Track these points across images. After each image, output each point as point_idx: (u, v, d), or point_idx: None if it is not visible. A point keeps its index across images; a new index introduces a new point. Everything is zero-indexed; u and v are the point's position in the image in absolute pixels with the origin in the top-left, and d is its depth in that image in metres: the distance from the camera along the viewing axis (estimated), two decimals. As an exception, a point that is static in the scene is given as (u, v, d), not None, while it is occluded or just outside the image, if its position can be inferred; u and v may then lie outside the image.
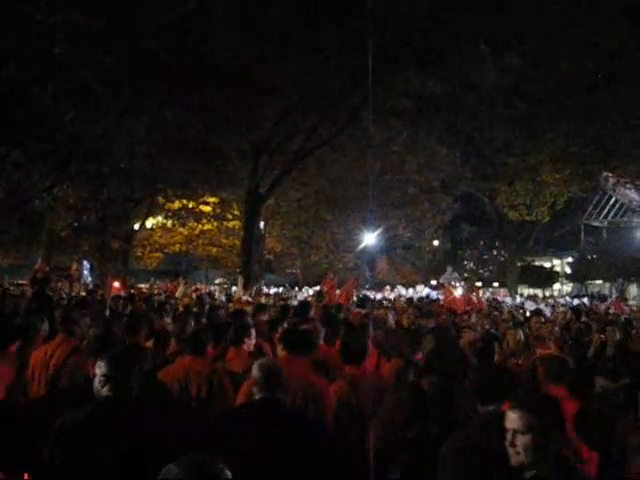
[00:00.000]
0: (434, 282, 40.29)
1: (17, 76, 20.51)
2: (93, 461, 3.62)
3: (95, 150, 22.68)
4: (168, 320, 8.58)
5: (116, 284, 15.93)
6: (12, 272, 32.56)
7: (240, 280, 22.25)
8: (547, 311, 17.07)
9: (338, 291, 14.67)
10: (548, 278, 46.24)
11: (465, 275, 44.97)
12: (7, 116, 19.85)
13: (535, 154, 31.33)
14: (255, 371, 4.48)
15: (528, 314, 14.38)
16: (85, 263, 28.88)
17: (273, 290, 27.88)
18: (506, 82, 24.86)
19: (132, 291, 18.50)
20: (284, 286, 32.85)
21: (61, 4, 20.03)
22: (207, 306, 11.66)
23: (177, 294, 13.89)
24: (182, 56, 21.15)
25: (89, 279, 26.04)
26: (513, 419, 3.15)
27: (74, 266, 29.19)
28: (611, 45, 23.11)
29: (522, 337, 8.56)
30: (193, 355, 5.76)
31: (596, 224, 46.34)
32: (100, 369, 4.00)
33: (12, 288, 16.24)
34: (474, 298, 16.44)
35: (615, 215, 45.09)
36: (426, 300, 17.88)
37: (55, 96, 21.47)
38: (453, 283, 23.69)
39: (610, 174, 35.19)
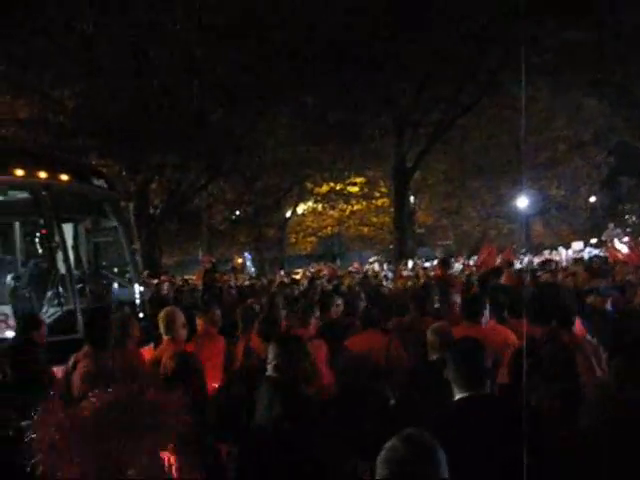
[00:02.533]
0: (594, 240, 38.66)
1: (166, 84, 21.68)
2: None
3: (244, 144, 23.54)
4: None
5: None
6: (179, 269, 34.36)
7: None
8: None
9: (499, 259, 14.46)
10: None
11: (628, 230, 42.76)
12: (160, 122, 21.03)
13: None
14: (429, 335, 5.09)
15: None
16: (246, 255, 30.09)
17: (428, 264, 27.71)
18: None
19: (294, 277, 19.16)
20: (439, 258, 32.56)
21: (196, 9, 21.00)
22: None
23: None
24: (314, 42, 21.52)
25: (252, 269, 27.13)
26: None
27: (238, 259, 30.53)
28: None
29: None
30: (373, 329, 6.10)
31: None
32: (269, 352, 4.39)
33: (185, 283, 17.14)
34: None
35: None
36: (595, 259, 17.10)
37: (200, 97, 22.52)
38: (617, 239, 22.54)
39: None
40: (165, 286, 13.36)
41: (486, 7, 21.14)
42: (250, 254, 31.32)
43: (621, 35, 22.73)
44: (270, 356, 4.38)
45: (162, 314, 5.79)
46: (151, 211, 24.70)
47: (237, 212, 35.07)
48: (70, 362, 5.30)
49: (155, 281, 14.87)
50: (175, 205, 25.50)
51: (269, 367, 4.35)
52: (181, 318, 5.77)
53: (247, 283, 16.74)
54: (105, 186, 8.76)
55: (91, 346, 5.29)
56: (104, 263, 9.82)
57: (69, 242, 8.40)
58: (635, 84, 27.28)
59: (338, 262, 32.38)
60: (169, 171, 23.93)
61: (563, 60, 24.48)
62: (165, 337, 5.84)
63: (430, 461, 2.41)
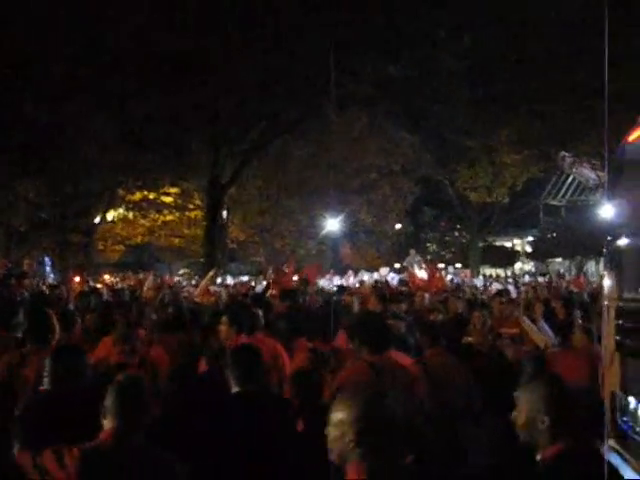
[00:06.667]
0: (397, 265, 40.54)
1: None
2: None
3: (55, 143, 22.43)
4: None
5: (76, 278, 16.10)
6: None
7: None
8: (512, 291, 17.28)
9: (296, 277, 14.79)
10: (509, 258, 46.74)
11: (428, 257, 45.26)
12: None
13: (494, 136, 31.63)
14: None
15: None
16: (47, 260, 28.34)
17: (244, 278, 27.81)
18: (463, 65, 25.13)
19: (98, 285, 18.42)
20: (249, 274, 32.80)
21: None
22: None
23: (145, 287, 13.76)
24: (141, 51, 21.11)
25: (51, 276, 25.58)
26: None
27: (26, 261, 28.44)
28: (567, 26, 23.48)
29: (487, 318, 8.73)
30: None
31: (555, 203, 46.87)
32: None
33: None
34: (437, 278, 16.63)
35: (573, 194, 45.66)
36: (396, 284, 17.92)
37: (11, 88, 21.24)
38: (416, 266, 23.84)
39: (567, 154, 35.64)
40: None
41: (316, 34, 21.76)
42: (51, 259, 29.61)
43: (438, 75, 24.25)
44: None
45: None
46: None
47: (42, 214, 33.18)
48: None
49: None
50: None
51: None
52: None
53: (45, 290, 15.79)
54: None
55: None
56: None
57: None
58: (441, 121, 29.14)
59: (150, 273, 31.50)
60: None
61: (380, 93, 25.68)
62: None
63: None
